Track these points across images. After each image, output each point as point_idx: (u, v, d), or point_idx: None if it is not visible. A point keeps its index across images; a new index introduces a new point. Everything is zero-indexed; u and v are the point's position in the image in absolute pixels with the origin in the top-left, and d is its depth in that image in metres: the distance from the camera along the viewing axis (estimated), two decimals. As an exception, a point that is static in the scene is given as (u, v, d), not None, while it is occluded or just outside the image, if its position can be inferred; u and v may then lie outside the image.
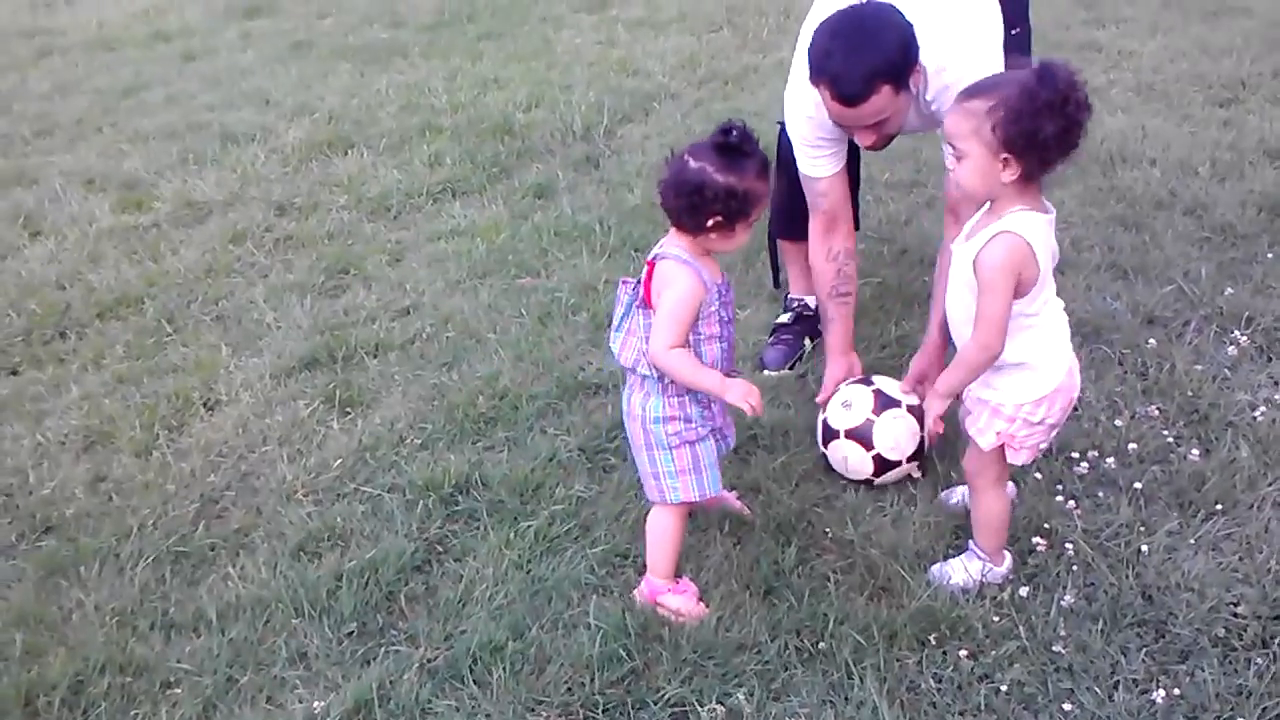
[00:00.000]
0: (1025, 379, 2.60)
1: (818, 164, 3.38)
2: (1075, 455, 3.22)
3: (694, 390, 2.72)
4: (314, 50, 7.95)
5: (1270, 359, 3.66)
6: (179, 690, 2.76)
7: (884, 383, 3.26)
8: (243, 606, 2.98)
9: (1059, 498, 3.08)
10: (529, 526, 3.13)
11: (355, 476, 3.44)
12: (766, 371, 3.81)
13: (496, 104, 6.51)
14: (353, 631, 2.87)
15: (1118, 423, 3.35)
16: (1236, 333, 3.76)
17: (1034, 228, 2.41)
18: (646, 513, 2.95)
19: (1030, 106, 2.30)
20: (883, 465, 3.16)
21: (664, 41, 7.50)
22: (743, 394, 2.65)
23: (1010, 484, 2.97)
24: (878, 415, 3.16)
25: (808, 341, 3.92)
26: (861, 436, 3.15)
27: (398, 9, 8.76)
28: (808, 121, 3.30)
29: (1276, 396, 3.43)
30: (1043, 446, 2.74)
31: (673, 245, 2.67)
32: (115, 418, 3.83)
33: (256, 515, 3.34)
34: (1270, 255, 4.24)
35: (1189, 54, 6.47)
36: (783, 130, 3.53)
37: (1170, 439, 3.29)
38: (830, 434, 3.22)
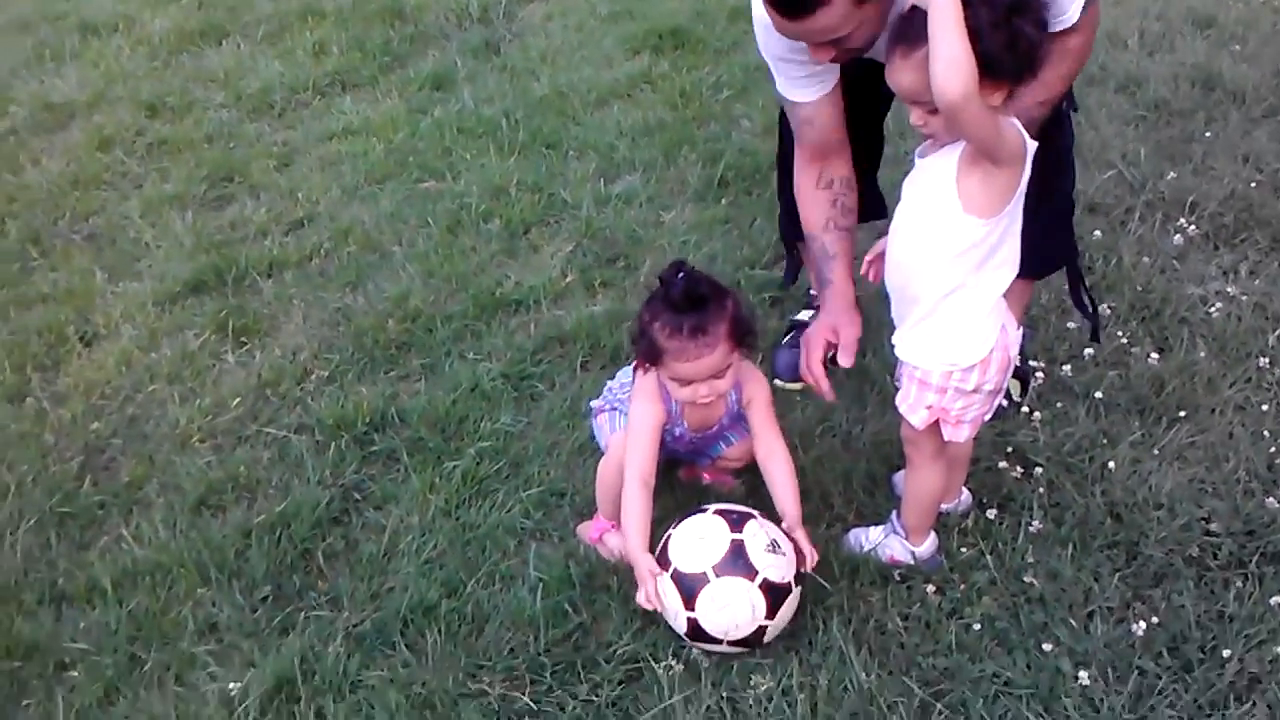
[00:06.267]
0: (954, 342, 2.28)
1: (797, 86, 2.62)
2: (1032, 363, 3.05)
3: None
4: (177, -74, 7.27)
5: (1217, 247, 3.52)
6: (75, 673, 2.50)
7: (753, 538, 2.37)
8: (141, 573, 2.70)
9: (1023, 409, 2.91)
10: (454, 467, 2.88)
11: (257, 417, 3.14)
12: (779, 383, 3.07)
13: (383, -18, 6.01)
14: (267, 597, 2.62)
15: (1070, 325, 3.19)
16: (1181, 220, 3.61)
17: (1019, 128, 2.15)
18: (580, 447, 2.74)
19: (997, 15, 1.98)
20: (693, 632, 2.37)
21: (561, -91, 7.01)
22: (640, 578, 2.37)
23: (965, 493, 2.67)
24: (718, 576, 2.34)
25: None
26: (688, 589, 2.35)
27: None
28: (769, 31, 2.44)
29: (1229, 289, 3.29)
30: (987, 417, 2.42)
31: None
32: (-20, 358, 3.46)
33: (149, 465, 3.03)
34: (1208, 134, 4.08)
35: (1109, -84, 6.23)
36: (782, 114, 2.93)
37: (1124, 339, 3.14)
38: (662, 556, 2.41)
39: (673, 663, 2.38)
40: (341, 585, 2.63)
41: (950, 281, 2.24)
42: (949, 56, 1.94)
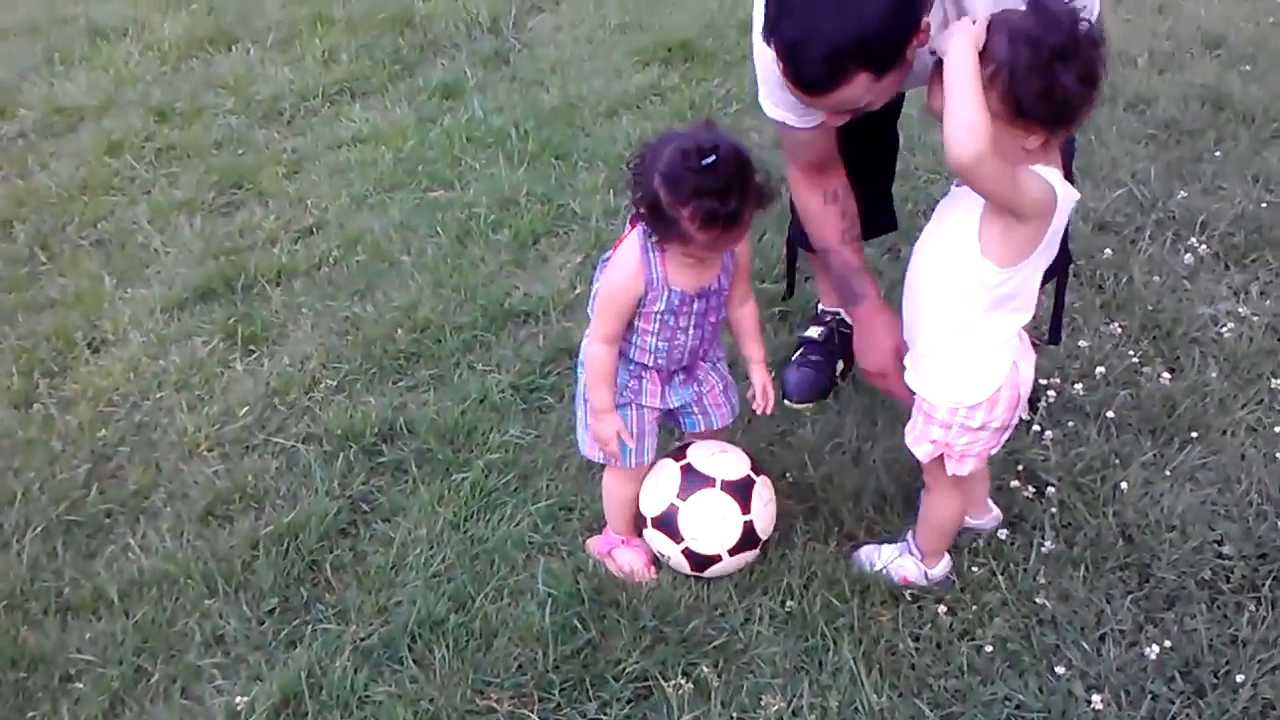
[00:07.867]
0: (961, 378, 2.23)
1: (798, 111, 2.45)
2: (1043, 382, 3.04)
3: (624, 356, 2.45)
4: (186, -69, 7.28)
5: (1228, 267, 3.51)
6: (81, 685, 2.48)
7: (696, 454, 2.56)
8: (147, 583, 2.68)
9: (1033, 428, 2.90)
10: (463, 479, 2.87)
11: (265, 426, 3.13)
12: (788, 403, 3.06)
13: (393, -9, 6.01)
14: (274, 609, 2.60)
15: (1081, 343, 3.18)
16: (1192, 239, 3.60)
17: (1057, 179, 2.08)
18: (590, 462, 2.72)
19: (1037, 58, 1.91)
20: (698, 561, 2.53)
21: (570, -80, 7.01)
22: (603, 435, 2.46)
23: (994, 509, 2.63)
24: (683, 499, 2.51)
25: (840, 365, 3.15)
26: (667, 525, 2.52)
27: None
28: (774, 65, 2.21)
29: (1240, 309, 3.29)
30: (994, 452, 2.37)
31: None
32: (-13, 363, 3.44)
33: (156, 473, 3.01)
34: (1218, 153, 4.07)
35: (1119, -67, 6.23)
36: None
37: (1135, 359, 3.13)
38: (671, 528, 2.52)
39: (682, 681, 2.36)
40: (349, 598, 2.61)
41: (957, 321, 2.21)
42: (960, 120, 1.88)
